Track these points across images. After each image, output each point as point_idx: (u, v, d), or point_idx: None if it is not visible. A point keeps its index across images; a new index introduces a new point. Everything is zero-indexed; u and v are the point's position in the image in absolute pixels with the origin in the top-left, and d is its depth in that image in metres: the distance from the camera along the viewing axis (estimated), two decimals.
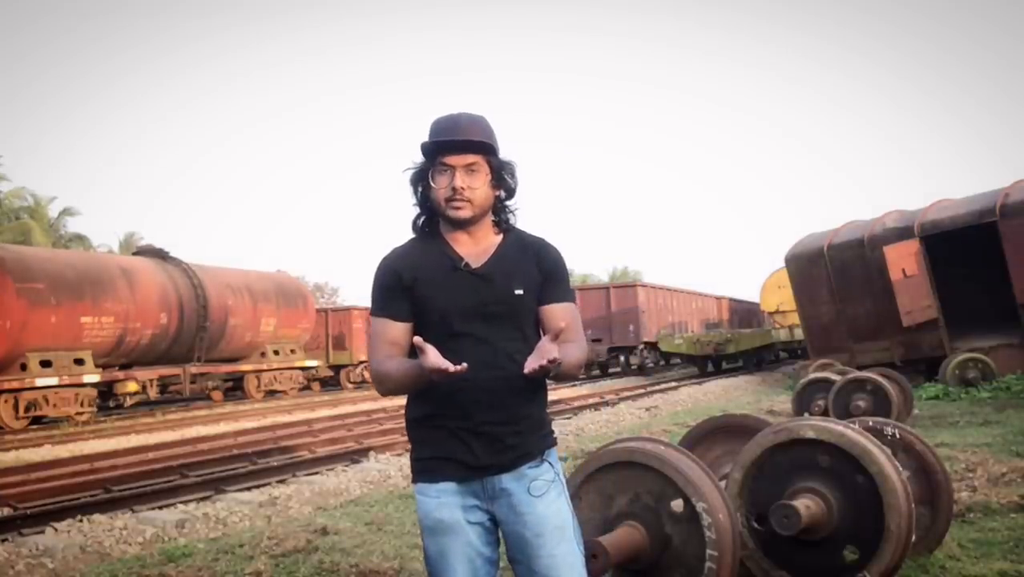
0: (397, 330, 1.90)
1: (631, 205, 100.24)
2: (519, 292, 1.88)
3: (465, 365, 1.67)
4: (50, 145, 67.71)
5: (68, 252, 21.26)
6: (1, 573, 4.58)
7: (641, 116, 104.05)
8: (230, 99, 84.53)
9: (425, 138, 1.92)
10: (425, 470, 1.88)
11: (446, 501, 1.84)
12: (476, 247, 1.93)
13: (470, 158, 1.87)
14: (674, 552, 2.69)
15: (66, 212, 34.23)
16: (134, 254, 19.63)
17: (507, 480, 1.84)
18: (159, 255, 18.25)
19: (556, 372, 1.76)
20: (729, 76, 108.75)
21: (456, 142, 1.87)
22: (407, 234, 2.02)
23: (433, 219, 1.97)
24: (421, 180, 1.93)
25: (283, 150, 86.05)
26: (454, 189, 1.85)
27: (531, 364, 1.71)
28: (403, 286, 1.90)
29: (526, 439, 1.87)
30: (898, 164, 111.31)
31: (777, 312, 25.07)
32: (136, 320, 16.07)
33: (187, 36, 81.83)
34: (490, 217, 1.96)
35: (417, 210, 1.99)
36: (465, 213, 1.87)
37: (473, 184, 1.87)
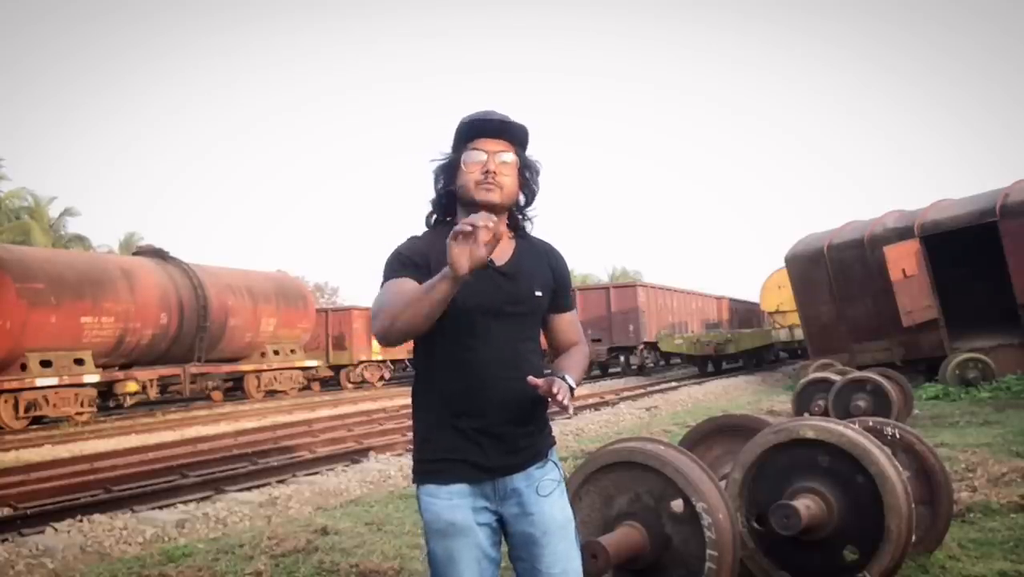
0: (414, 287, 1.75)
1: (631, 205, 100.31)
2: (538, 293, 1.90)
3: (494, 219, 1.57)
4: (50, 145, 67.77)
5: (68, 252, 21.27)
6: (1, 573, 4.58)
7: (641, 116, 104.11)
8: (230, 99, 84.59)
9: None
10: (434, 471, 1.84)
11: (459, 503, 1.81)
12: None
13: (504, 146, 1.88)
14: (674, 552, 2.69)
15: (66, 212, 34.24)
16: (134, 254, 19.60)
17: (517, 480, 1.86)
18: (159, 255, 18.24)
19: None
20: (729, 76, 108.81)
21: (496, 123, 1.88)
22: (408, 233, 1.99)
23: (447, 218, 1.95)
24: (447, 171, 1.92)
25: (283, 150, 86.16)
26: (487, 171, 1.84)
27: (546, 389, 1.73)
28: (425, 265, 1.82)
29: (536, 440, 1.89)
30: (898, 164, 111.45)
31: (777, 312, 25.06)
32: (136, 320, 16.06)
33: (187, 36, 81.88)
34: (506, 219, 1.95)
35: (430, 208, 1.97)
36: (495, 196, 1.85)
37: (504, 171, 1.87)
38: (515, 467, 1.85)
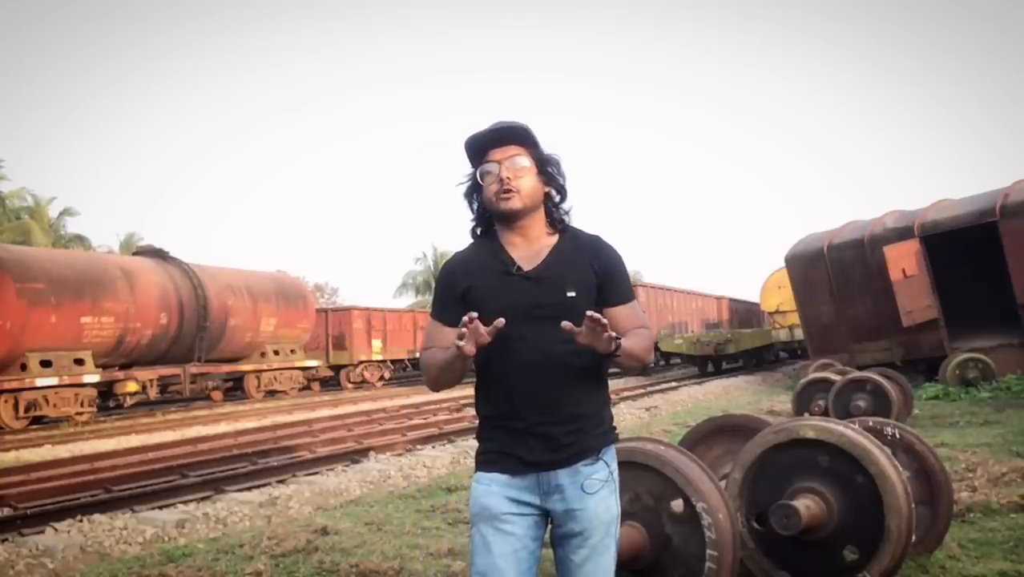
0: (448, 335, 1.96)
1: (631, 205, 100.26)
2: (571, 294, 1.89)
3: (502, 321, 1.72)
4: (50, 145, 67.79)
5: (68, 252, 21.26)
6: (1, 573, 4.59)
7: (641, 116, 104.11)
8: (230, 99, 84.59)
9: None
10: (484, 461, 1.94)
11: (495, 490, 1.88)
12: (530, 249, 1.95)
13: (512, 150, 1.92)
14: (674, 552, 2.69)
15: (66, 212, 34.26)
16: (134, 254, 19.59)
17: (562, 476, 1.88)
18: (159, 255, 18.23)
19: (616, 355, 1.77)
20: (730, 76, 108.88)
21: (497, 131, 1.94)
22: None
23: (490, 229, 2.02)
24: (475, 189, 1.99)
25: (283, 150, 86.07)
26: (501, 180, 1.90)
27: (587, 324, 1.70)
28: (458, 292, 1.95)
29: (581, 437, 1.89)
30: (898, 164, 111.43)
31: (777, 312, 25.03)
32: (136, 320, 16.06)
33: (187, 36, 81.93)
34: (543, 218, 1.99)
35: (474, 224, 2.04)
36: (515, 203, 1.90)
37: (519, 174, 1.91)
38: (559, 463, 1.87)
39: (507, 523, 1.86)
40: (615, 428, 2.01)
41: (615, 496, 1.94)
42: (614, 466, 1.96)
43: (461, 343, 1.72)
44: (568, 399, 1.87)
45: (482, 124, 1.99)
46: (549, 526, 1.94)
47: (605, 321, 1.69)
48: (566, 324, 1.71)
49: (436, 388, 1.96)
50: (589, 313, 1.69)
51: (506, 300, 1.88)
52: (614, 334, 1.75)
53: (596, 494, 1.88)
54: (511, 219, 1.94)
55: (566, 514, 1.87)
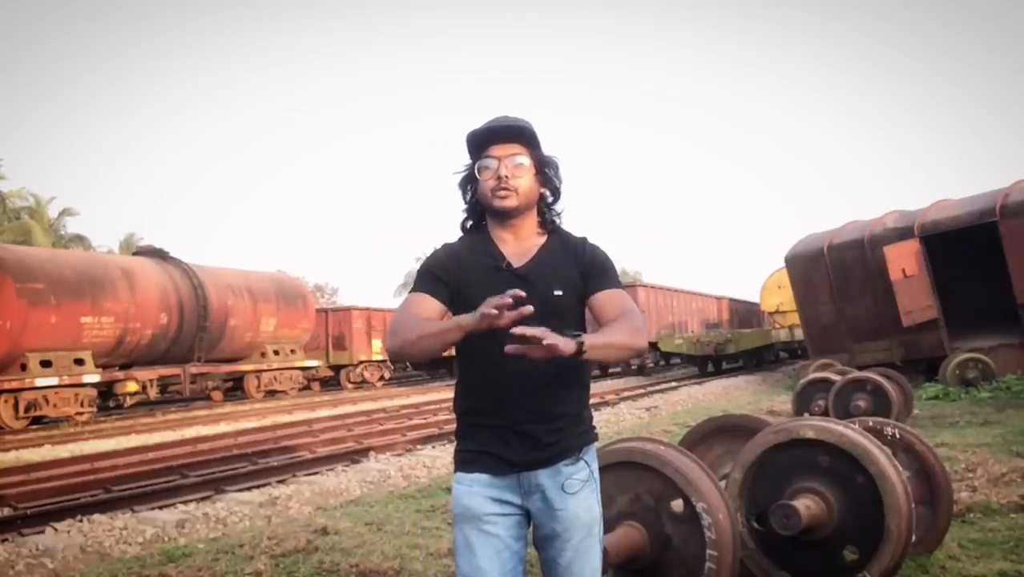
0: (433, 305, 1.89)
1: (631, 205, 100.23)
2: (558, 293, 1.89)
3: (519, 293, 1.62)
4: (50, 145, 67.79)
5: (68, 252, 21.25)
6: (1, 573, 4.58)
7: (641, 116, 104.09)
8: (230, 99, 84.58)
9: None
10: (464, 461, 1.92)
11: (477, 490, 1.87)
12: (520, 247, 1.96)
13: (514, 148, 1.92)
14: (674, 552, 2.69)
15: (66, 212, 34.27)
16: (134, 254, 19.61)
17: (543, 476, 1.87)
18: (159, 255, 18.24)
19: (581, 352, 1.66)
20: (730, 76, 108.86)
21: (501, 128, 1.93)
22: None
23: (481, 222, 2.02)
24: (470, 181, 1.98)
25: (283, 150, 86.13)
26: (499, 178, 1.89)
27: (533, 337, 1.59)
28: (448, 279, 1.93)
29: (563, 437, 1.89)
30: (898, 164, 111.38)
31: (777, 312, 25.03)
32: (136, 320, 16.06)
33: (187, 36, 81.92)
34: (535, 217, 1.99)
35: (465, 216, 2.03)
36: (511, 202, 1.90)
37: (518, 173, 1.91)
38: (540, 462, 1.87)
39: (490, 524, 1.86)
40: (594, 428, 2.00)
41: (596, 496, 1.94)
42: (595, 466, 1.95)
43: (491, 311, 1.59)
44: (553, 398, 1.87)
45: (482, 123, 1.97)
46: (531, 526, 1.93)
47: (535, 333, 1.56)
48: (510, 348, 1.60)
49: (404, 354, 1.83)
50: (515, 331, 1.58)
51: (493, 296, 1.85)
52: (570, 335, 1.64)
53: (577, 494, 1.88)
54: (504, 217, 1.94)
55: (546, 513, 1.87)
